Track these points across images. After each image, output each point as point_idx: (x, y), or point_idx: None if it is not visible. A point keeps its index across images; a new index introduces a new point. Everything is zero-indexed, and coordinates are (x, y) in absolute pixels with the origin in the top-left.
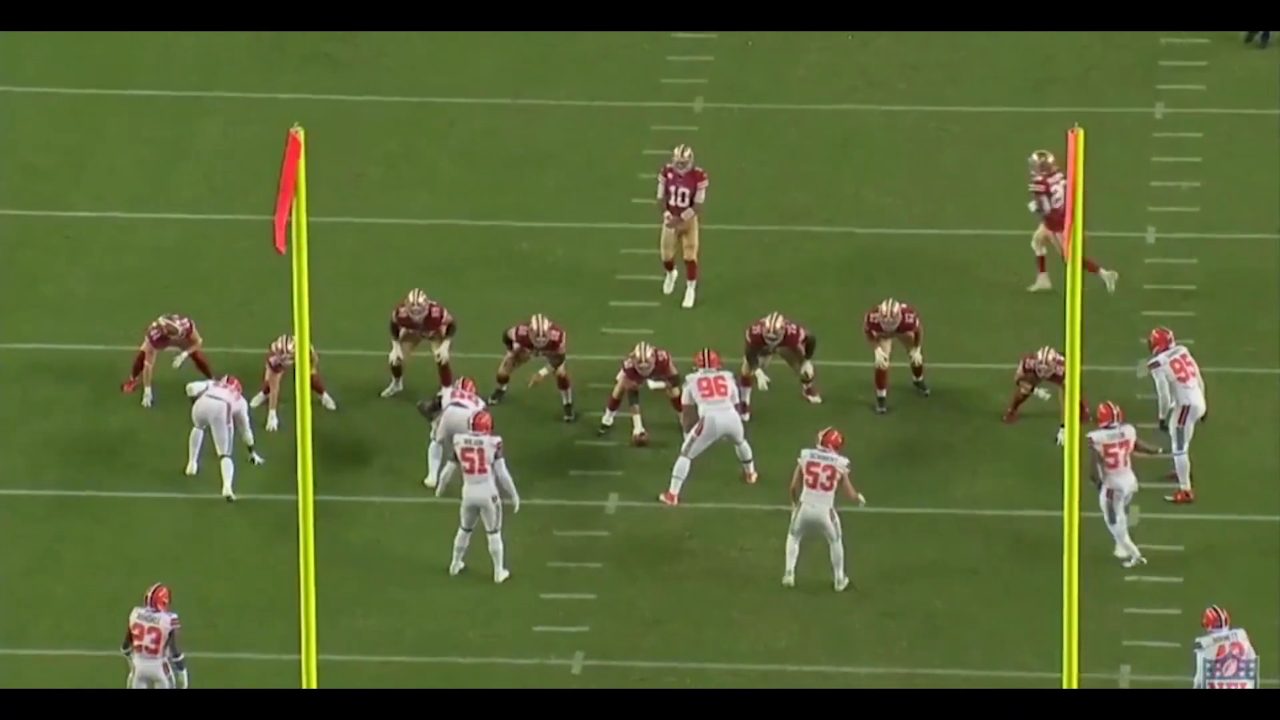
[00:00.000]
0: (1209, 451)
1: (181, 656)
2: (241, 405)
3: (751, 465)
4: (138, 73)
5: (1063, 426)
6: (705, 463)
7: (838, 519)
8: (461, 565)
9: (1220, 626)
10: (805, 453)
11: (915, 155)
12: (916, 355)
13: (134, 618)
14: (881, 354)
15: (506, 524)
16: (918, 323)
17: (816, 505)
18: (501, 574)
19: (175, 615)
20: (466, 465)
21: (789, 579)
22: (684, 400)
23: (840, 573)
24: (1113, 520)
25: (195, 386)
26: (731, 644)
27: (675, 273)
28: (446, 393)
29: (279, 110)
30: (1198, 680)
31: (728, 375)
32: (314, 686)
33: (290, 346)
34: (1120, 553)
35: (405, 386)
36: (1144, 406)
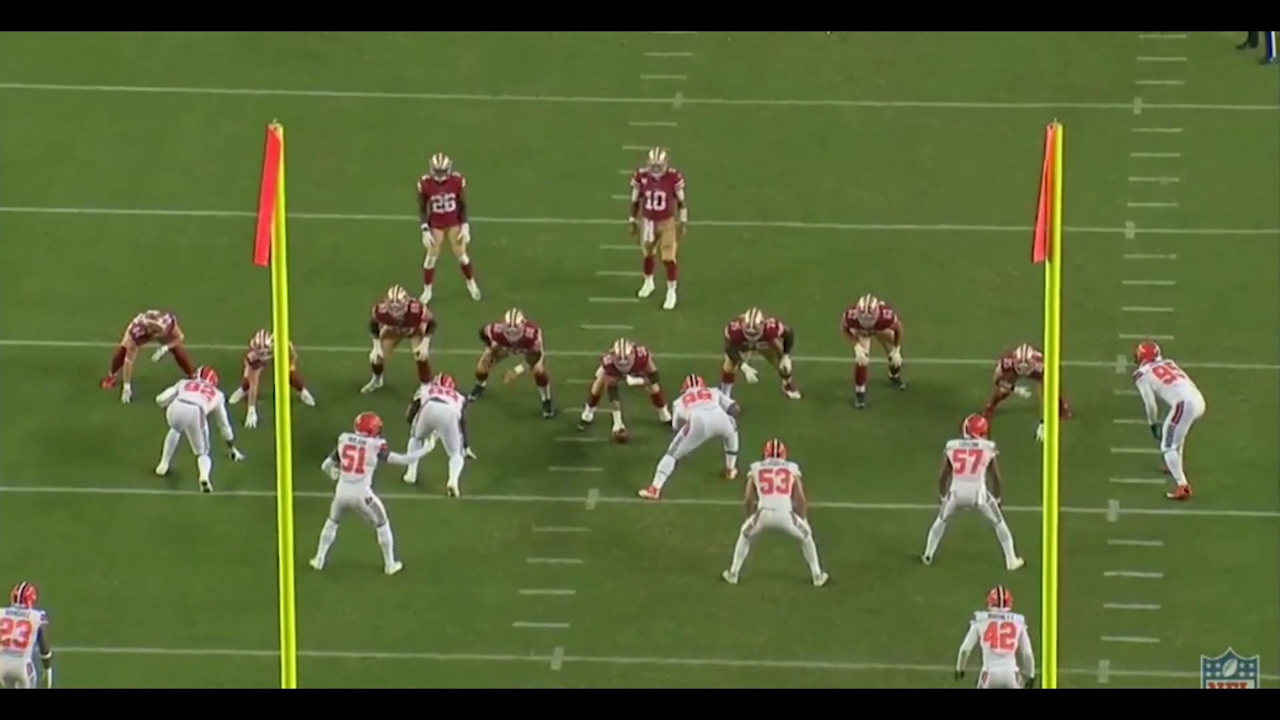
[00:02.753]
0: (1188, 446)
1: (50, 654)
2: (218, 402)
3: (734, 459)
4: (117, 68)
5: (1042, 422)
6: (686, 459)
7: (801, 520)
8: (325, 559)
9: (999, 606)
10: (755, 465)
11: (894, 151)
12: (896, 355)
13: (1, 613)
14: (861, 350)
15: (390, 516)
16: (896, 320)
17: (777, 509)
18: (393, 566)
19: (45, 612)
20: (345, 463)
21: (733, 579)
22: (674, 423)
23: (816, 568)
24: (939, 518)
25: (165, 395)
26: (711, 639)
27: (651, 277)
28: (425, 389)
29: (258, 106)
30: (965, 645)
31: (713, 389)
32: (293, 682)
33: (269, 342)
34: (929, 551)
35: (385, 383)
36: (1122, 402)
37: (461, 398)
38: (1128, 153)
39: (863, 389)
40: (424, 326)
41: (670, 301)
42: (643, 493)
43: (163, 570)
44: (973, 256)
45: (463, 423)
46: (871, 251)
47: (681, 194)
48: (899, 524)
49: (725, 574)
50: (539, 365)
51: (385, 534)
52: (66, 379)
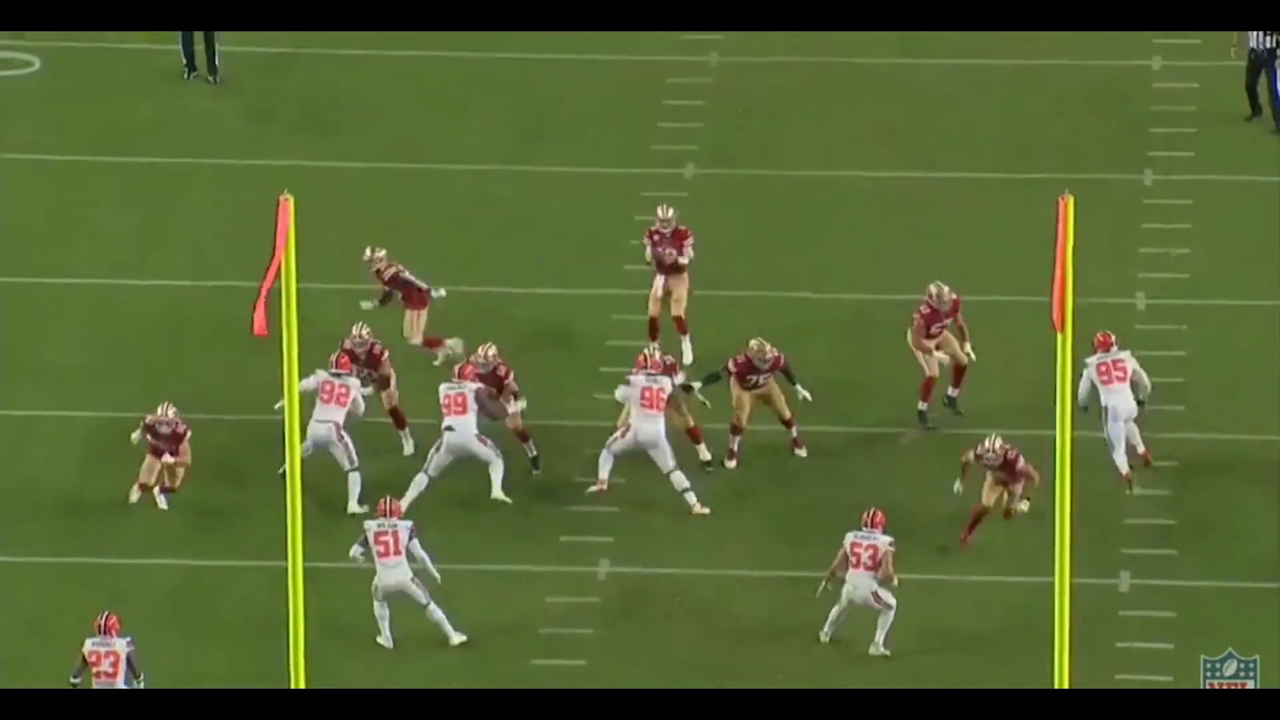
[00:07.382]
0: (1201, 515)
1: (142, 677)
2: (350, 406)
3: (692, 495)
4: (127, 139)
5: (1022, 498)
6: (695, 528)
7: (886, 595)
8: (389, 635)
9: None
10: (850, 535)
11: (904, 221)
12: (969, 349)
13: (88, 645)
14: (939, 357)
15: (435, 593)
16: (960, 318)
17: (859, 586)
18: (456, 638)
19: (130, 638)
20: (380, 549)
21: (825, 638)
22: (618, 396)
23: (880, 636)
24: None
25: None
26: None
27: (656, 342)
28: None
29: (269, 177)
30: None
31: (666, 383)
32: None
33: (365, 332)
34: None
35: (365, 444)
36: (1135, 473)
37: (472, 402)
38: (1138, 223)
39: (924, 407)
40: (384, 370)
41: (687, 356)
42: (591, 489)
43: (173, 640)
44: (982, 327)
45: (482, 408)
46: (880, 321)
47: (690, 251)
48: (912, 595)
49: (820, 634)
50: (519, 422)
51: (435, 612)
52: (75, 450)
